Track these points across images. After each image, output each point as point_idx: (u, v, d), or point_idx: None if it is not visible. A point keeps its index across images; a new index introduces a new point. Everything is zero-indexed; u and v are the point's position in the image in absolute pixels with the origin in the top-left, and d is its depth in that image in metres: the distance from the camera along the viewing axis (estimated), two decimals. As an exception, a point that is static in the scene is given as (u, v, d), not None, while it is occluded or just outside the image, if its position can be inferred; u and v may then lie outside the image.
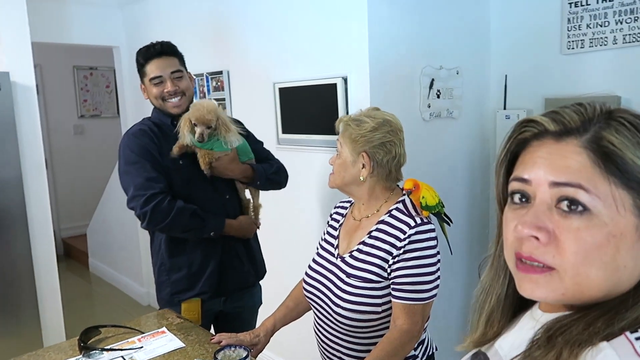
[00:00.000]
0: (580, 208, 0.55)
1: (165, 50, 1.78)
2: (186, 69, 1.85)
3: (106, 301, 4.21)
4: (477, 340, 0.72)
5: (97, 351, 1.44)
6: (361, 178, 1.38)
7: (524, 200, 0.60)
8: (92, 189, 5.33)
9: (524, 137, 0.63)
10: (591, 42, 2.16)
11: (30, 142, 2.70)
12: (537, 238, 0.57)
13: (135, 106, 3.67)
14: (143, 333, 1.56)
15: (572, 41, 2.22)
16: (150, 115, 1.87)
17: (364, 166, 1.35)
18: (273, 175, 1.90)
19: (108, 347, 1.46)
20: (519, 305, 0.70)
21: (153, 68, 1.76)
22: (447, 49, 2.36)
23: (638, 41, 2.03)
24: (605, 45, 2.12)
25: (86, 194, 5.50)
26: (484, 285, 0.72)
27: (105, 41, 3.68)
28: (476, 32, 2.51)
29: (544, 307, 0.65)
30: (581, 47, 2.20)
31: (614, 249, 0.54)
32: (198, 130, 1.67)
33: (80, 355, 1.43)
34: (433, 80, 2.30)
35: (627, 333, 0.52)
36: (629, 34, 2.05)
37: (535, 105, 2.44)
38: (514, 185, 0.62)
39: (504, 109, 2.53)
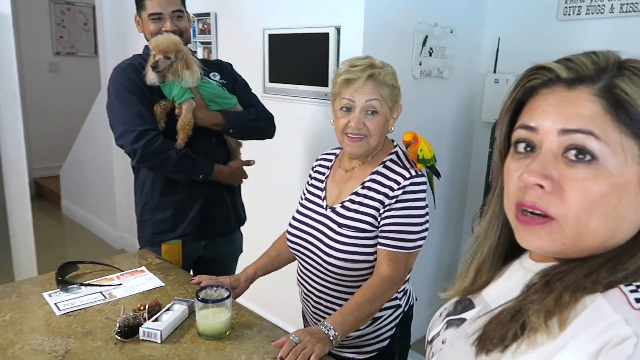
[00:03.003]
0: (588, 157, 0.54)
1: None
2: (186, 9, 1.77)
3: (79, 243, 4.17)
4: (465, 289, 0.73)
5: (75, 286, 1.42)
6: (392, 129, 1.36)
7: (528, 149, 0.60)
8: (66, 130, 5.16)
9: (532, 85, 0.62)
10: (588, 10, 2.15)
11: (4, 73, 2.57)
12: (541, 187, 0.56)
13: (116, 46, 3.52)
14: (122, 271, 1.55)
15: (569, 7, 2.21)
16: (140, 52, 1.79)
17: (396, 115, 1.34)
18: (250, 122, 1.81)
19: (86, 282, 1.45)
20: (508, 256, 0.71)
21: (154, 4, 1.68)
22: (443, 6, 2.31)
23: (635, 11, 2.03)
24: (601, 13, 2.11)
25: (60, 134, 5.34)
26: (478, 235, 0.73)
27: (86, -27, 3.49)
28: (473, -9, 2.47)
29: (535, 257, 0.66)
30: (577, 14, 2.19)
31: (617, 199, 0.54)
32: (155, 58, 1.61)
33: (58, 289, 1.41)
34: (427, 37, 2.26)
35: (622, 286, 0.53)
36: (627, 3, 2.04)
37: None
38: (519, 134, 0.61)
39: (494, 72, 2.52)
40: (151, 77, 1.63)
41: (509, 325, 0.57)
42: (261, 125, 1.86)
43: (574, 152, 0.55)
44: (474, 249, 0.73)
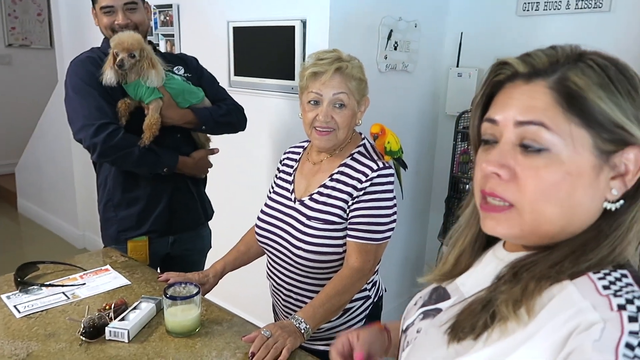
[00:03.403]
0: (540, 147, 0.57)
1: None
2: (143, 0, 1.72)
3: (37, 243, 4.02)
4: (443, 274, 0.75)
5: (35, 287, 1.37)
6: (360, 122, 1.36)
7: (493, 141, 0.62)
8: (21, 126, 4.96)
9: (498, 80, 0.64)
10: (546, 6, 2.22)
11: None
12: (499, 175, 0.59)
13: (73, 38, 3.39)
14: (85, 270, 1.51)
15: (528, 3, 2.27)
16: (99, 45, 1.73)
17: (363, 109, 1.35)
18: (222, 117, 1.79)
19: (48, 282, 1.40)
20: (488, 244, 0.73)
21: None
22: (407, 0, 2.33)
23: (589, 7, 2.10)
24: (558, 9, 2.18)
25: (15, 130, 5.13)
26: (461, 223, 0.75)
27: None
28: (436, -14, 2.50)
29: (508, 247, 0.68)
30: (536, 10, 2.25)
31: (570, 187, 0.56)
32: (119, 57, 1.55)
33: (17, 291, 1.36)
34: (392, 31, 2.28)
35: (590, 274, 0.55)
36: (582, 0, 2.12)
37: (487, 64, 2.46)
38: (484, 126, 0.64)
39: (457, 66, 2.57)
40: (109, 77, 1.57)
41: (479, 315, 0.58)
42: (233, 119, 1.84)
43: (528, 142, 0.58)
44: (455, 237, 0.76)
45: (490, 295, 0.59)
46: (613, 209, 0.58)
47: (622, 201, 0.58)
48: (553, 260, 0.58)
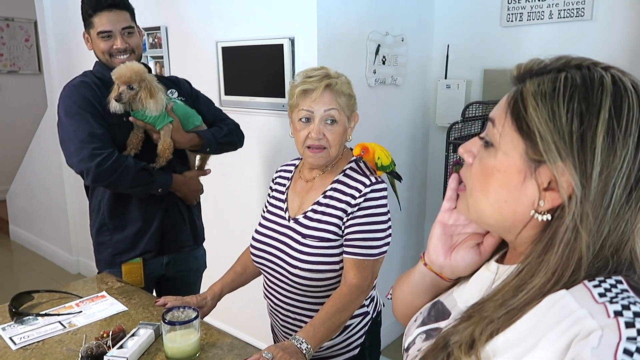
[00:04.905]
0: (489, 140, 0.62)
1: (117, 3, 1.65)
2: (136, 24, 1.73)
3: (31, 271, 3.96)
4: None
5: (31, 317, 1.36)
6: (350, 138, 1.37)
7: None
8: (11, 152, 4.94)
9: None
10: (529, 16, 2.25)
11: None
12: (465, 160, 0.67)
13: (61, 63, 3.40)
14: (81, 297, 1.49)
15: (512, 14, 2.31)
16: (91, 68, 1.74)
17: (353, 124, 1.36)
18: (224, 138, 1.84)
19: (43, 312, 1.38)
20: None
21: (103, 21, 1.63)
22: (393, 15, 2.36)
23: (571, 16, 2.14)
24: (542, 19, 2.22)
25: (4, 156, 5.09)
26: None
27: (26, -12, 3.36)
28: (421, 0, 2.54)
29: (505, 260, 0.70)
30: (519, 20, 2.29)
31: (496, 182, 0.61)
32: (119, 89, 1.57)
33: (12, 322, 1.34)
34: (379, 46, 2.30)
35: (585, 281, 0.55)
36: (564, 9, 2.16)
37: (474, 75, 2.52)
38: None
39: (445, 78, 2.60)
40: (115, 106, 1.59)
41: (439, 353, 0.61)
42: (234, 138, 1.89)
43: (485, 135, 0.64)
44: None
45: (449, 335, 0.61)
46: (539, 219, 0.59)
47: (548, 215, 0.58)
48: (497, 301, 0.59)
